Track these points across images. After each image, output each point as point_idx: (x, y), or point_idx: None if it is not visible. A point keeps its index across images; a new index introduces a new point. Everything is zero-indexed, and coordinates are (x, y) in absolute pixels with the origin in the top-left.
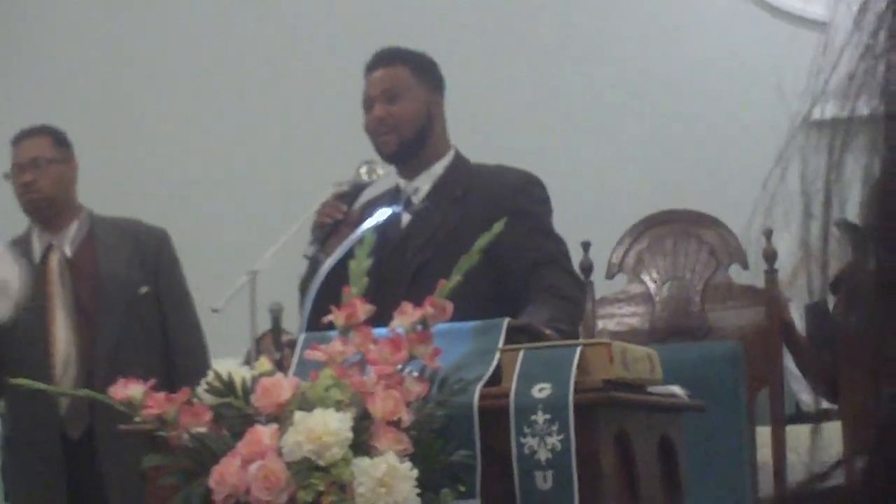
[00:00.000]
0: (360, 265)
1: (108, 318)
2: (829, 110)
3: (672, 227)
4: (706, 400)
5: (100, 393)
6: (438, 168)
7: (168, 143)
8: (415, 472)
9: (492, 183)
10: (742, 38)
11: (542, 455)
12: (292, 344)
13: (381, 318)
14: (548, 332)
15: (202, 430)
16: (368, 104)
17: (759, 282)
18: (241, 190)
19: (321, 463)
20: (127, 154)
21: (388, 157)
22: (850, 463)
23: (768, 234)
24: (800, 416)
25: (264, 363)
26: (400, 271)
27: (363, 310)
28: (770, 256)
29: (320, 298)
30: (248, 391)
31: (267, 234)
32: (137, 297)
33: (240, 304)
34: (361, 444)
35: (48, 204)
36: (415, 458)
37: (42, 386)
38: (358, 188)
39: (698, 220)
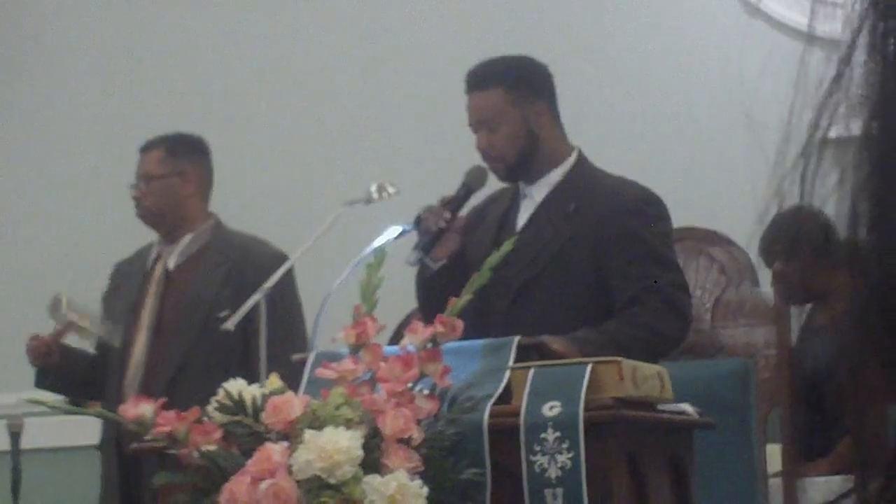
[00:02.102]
0: (370, 283)
1: (178, 338)
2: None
3: (682, 245)
4: (716, 417)
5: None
6: (556, 175)
7: None
8: (425, 490)
9: (606, 200)
10: (750, 55)
11: (553, 473)
12: (302, 362)
13: (482, 327)
14: (556, 346)
15: (212, 447)
16: (472, 128)
17: (770, 299)
18: (252, 209)
19: (332, 481)
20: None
21: (503, 179)
22: (864, 486)
23: (778, 252)
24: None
25: (275, 381)
26: (505, 284)
27: (373, 328)
28: (778, 274)
29: (429, 306)
30: (258, 409)
31: None
32: (217, 320)
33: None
34: (372, 462)
35: (156, 219)
36: (425, 476)
37: (59, 404)
38: (466, 194)
39: (708, 237)
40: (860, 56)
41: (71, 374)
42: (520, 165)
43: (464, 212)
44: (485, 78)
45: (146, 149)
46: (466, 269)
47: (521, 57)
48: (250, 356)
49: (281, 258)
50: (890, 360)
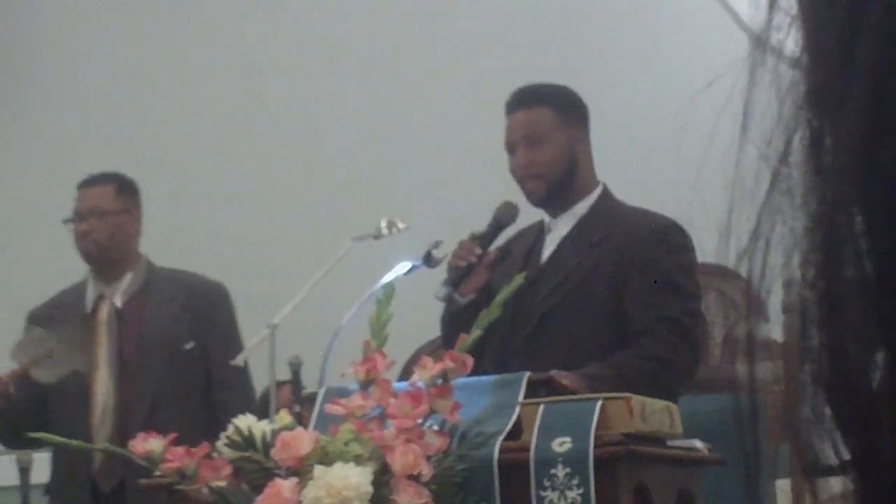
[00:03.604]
0: (380, 319)
1: (147, 373)
2: None
3: None
4: (726, 453)
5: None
6: (582, 207)
7: (184, 198)
8: None
9: (629, 230)
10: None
11: None
12: (312, 398)
13: (504, 357)
14: (565, 381)
15: (222, 483)
16: (510, 147)
17: (778, 335)
18: (261, 244)
19: None
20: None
21: (537, 203)
22: None
23: (787, 285)
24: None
25: (284, 417)
26: (530, 311)
27: (383, 364)
28: (788, 308)
29: (454, 341)
30: (267, 445)
31: (286, 289)
32: (181, 352)
33: (259, 359)
34: (381, 499)
35: (103, 255)
36: None
37: (62, 440)
38: (496, 230)
39: (718, 272)
40: (795, 157)
41: (14, 416)
42: (558, 189)
43: (492, 247)
44: (534, 96)
45: (93, 183)
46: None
47: (564, 86)
48: (212, 386)
49: (221, 288)
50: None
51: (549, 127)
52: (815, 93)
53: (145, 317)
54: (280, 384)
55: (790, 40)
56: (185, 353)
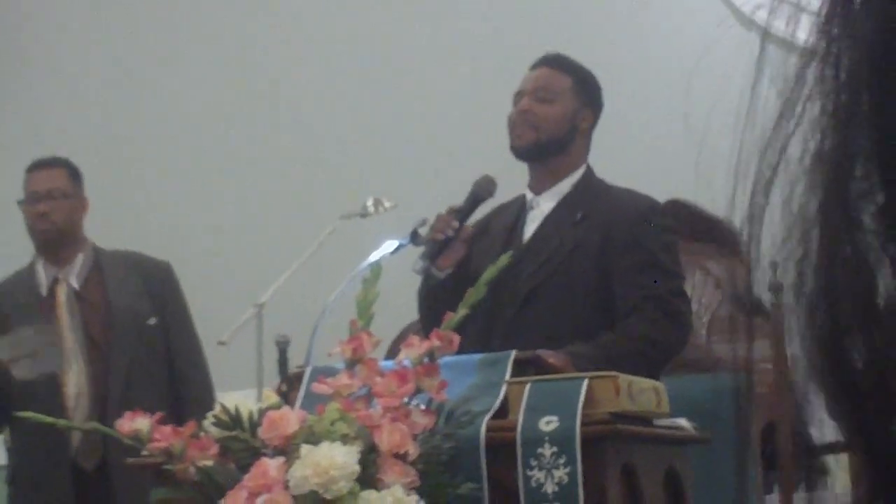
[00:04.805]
0: (367, 298)
1: (119, 350)
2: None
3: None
4: (712, 432)
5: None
6: (566, 185)
7: (173, 176)
8: None
9: (613, 209)
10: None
11: (550, 488)
12: (298, 376)
13: (489, 335)
14: (552, 360)
15: (209, 463)
16: (518, 97)
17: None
18: (248, 223)
19: (328, 496)
20: (131, 187)
21: (518, 151)
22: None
23: (774, 265)
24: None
25: (271, 396)
26: (513, 291)
27: (369, 343)
28: (776, 288)
29: (431, 316)
30: (254, 424)
31: (273, 268)
32: (146, 328)
33: (246, 337)
34: (368, 478)
35: (59, 236)
36: (422, 491)
37: (51, 420)
38: (473, 204)
39: (704, 251)
40: (809, 89)
41: None
42: (547, 148)
43: (471, 222)
44: (562, 63)
45: (48, 165)
46: (470, 280)
47: (592, 73)
48: (172, 357)
49: (169, 265)
50: (839, 412)
51: (564, 92)
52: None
53: (105, 296)
54: None
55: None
56: (150, 329)
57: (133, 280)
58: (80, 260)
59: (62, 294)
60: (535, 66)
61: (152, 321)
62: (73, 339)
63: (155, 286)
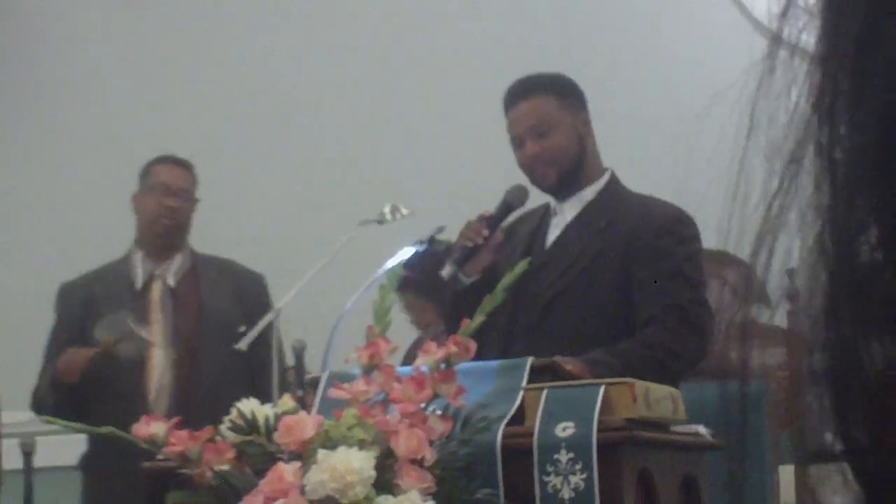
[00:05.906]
0: (383, 304)
1: (208, 352)
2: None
3: None
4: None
5: (198, 425)
6: (589, 193)
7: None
8: None
9: (638, 216)
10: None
11: (566, 494)
12: (315, 382)
13: (510, 341)
14: (569, 367)
15: (225, 467)
16: (518, 141)
17: (783, 321)
18: (265, 229)
19: (344, 501)
20: None
21: (547, 190)
22: None
23: (790, 272)
24: (824, 455)
25: (287, 401)
26: (534, 298)
27: (386, 349)
28: (793, 296)
29: (456, 321)
30: (271, 429)
31: (291, 274)
32: (237, 335)
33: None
34: (385, 483)
35: (176, 233)
36: (438, 497)
37: (65, 423)
38: (505, 212)
39: (720, 258)
40: (808, 162)
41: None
42: (571, 174)
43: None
44: (533, 87)
45: (182, 164)
46: (496, 287)
47: (558, 73)
48: (260, 372)
49: (263, 278)
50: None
51: (555, 115)
52: (829, 95)
53: (199, 298)
54: (286, 369)
55: (805, 35)
56: (239, 336)
57: (227, 286)
58: (178, 260)
59: (157, 290)
60: (512, 103)
61: (242, 329)
62: (162, 335)
63: (248, 296)
